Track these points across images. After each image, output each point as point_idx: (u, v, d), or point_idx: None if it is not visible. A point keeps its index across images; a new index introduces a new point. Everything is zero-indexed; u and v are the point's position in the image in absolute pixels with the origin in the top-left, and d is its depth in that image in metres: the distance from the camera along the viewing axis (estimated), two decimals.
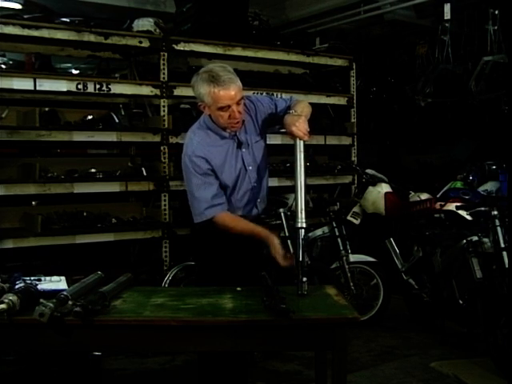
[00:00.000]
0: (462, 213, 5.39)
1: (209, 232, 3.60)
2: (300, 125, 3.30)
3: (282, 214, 5.86)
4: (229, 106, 3.36)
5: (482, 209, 5.09)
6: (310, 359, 4.12)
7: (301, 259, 3.11)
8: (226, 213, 3.52)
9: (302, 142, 3.30)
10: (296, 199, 3.27)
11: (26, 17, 5.82)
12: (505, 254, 4.72)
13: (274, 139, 6.07)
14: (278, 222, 5.83)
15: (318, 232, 6.30)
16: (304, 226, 3.19)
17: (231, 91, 3.32)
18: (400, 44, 9.09)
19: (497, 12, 7.55)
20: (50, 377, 4.42)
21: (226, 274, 3.51)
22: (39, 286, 2.97)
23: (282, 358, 5.09)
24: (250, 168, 3.62)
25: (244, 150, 3.60)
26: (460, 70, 7.89)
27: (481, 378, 4.64)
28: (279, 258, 3.29)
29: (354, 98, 7.71)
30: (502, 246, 4.80)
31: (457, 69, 7.90)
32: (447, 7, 7.55)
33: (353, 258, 6.02)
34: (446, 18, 7.60)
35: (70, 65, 9.57)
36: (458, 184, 5.94)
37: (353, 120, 7.67)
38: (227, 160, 3.54)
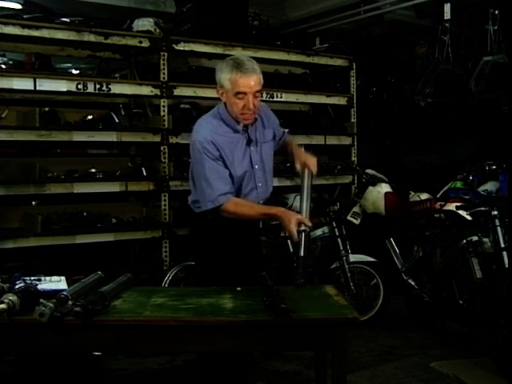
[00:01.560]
0: (462, 213, 5.39)
1: (209, 231, 3.62)
2: (314, 161, 3.63)
3: None
4: (245, 94, 3.42)
5: (482, 209, 5.10)
6: (310, 359, 4.12)
7: (302, 254, 3.15)
8: (236, 198, 3.54)
9: (310, 175, 3.55)
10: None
11: (25, 17, 5.81)
12: (505, 254, 4.72)
13: None
14: (278, 222, 5.80)
15: (318, 232, 6.31)
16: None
17: (251, 80, 3.41)
18: (400, 44, 9.07)
19: (497, 12, 7.54)
20: (50, 377, 4.43)
21: (225, 273, 3.51)
22: (39, 286, 2.97)
23: (282, 358, 5.09)
24: (257, 167, 3.65)
25: (252, 148, 3.64)
26: (460, 70, 7.88)
27: (481, 378, 4.64)
28: (292, 236, 3.32)
29: (354, 97, 7.71)
30: (502, 245, 4.80)
31: (457, 69, 7.89)
32: (447, 7, 7.53)
33: (353, 257, 6.02)
34: (445, 18, 7.59)
35: (70, 65, 9.56)
36: (458, 184, 5.93)
37: (353, 120, 7.68)
38: (235, 154, 3.56)
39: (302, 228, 3.27)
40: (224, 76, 3.45)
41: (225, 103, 3.57)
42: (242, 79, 3.39)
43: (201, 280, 3.73)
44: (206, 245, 3.68)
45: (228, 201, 3.47)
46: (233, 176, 3.54)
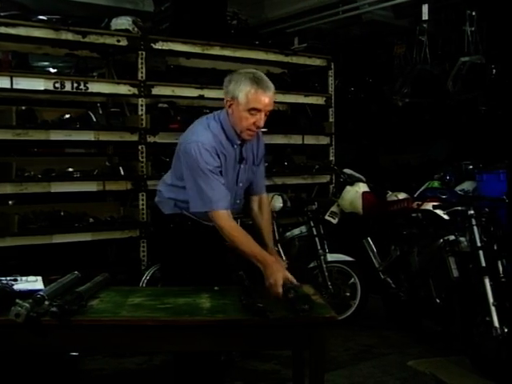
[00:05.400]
0: (439, 212, 5.41)
1: (177, 234, 3.61)
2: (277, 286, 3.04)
3: None
4: (259, 111, 3.36)
5: (459, 208, 5.12)
6: (288, 358, 4.12)
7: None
8: (236, 224, 3.43)
9: None
10: None
11: (2, 14, 5.76)
12: (481, 252, 4.74)
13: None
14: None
15: (296, 231, 6.31)
16: None
17: (268, 97, 3.37)
18: (378, 44, 9.12)
19: (474, 13, 7.61)
20: (27, 378, 4.39)
21: (190, 276, 3.49)
22: (15, 286, 2.96)
23: (260, 357, 5.07)
24: (241, 185, 3.62)
25: (242, 166, 3.59)
26: (437, 71, 7.94)
27: (457, 376, 4.66)
28: (271, 292, 3.06)
29: (332, 97, 7.73)
30: (478, 245, 4.81)
31: (434, 69, 7.95)
32: (425, 8, 7.60)
33: (330, 257, 6.02)
34: (423, 18, 7.65)
35: (47, 63, 9.49)
36: (435, 184, 5.97)
37: (331, 120, 7.69)
38: (228, 168, 3.49)
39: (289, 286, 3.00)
40: (241, 88, 3.36)
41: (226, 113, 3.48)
42: (261, 96, 3.34)
43: (166, 282, 3.75)
44: (173, 247, 3.64)
45: (226, 210, 3.34)
46: None
